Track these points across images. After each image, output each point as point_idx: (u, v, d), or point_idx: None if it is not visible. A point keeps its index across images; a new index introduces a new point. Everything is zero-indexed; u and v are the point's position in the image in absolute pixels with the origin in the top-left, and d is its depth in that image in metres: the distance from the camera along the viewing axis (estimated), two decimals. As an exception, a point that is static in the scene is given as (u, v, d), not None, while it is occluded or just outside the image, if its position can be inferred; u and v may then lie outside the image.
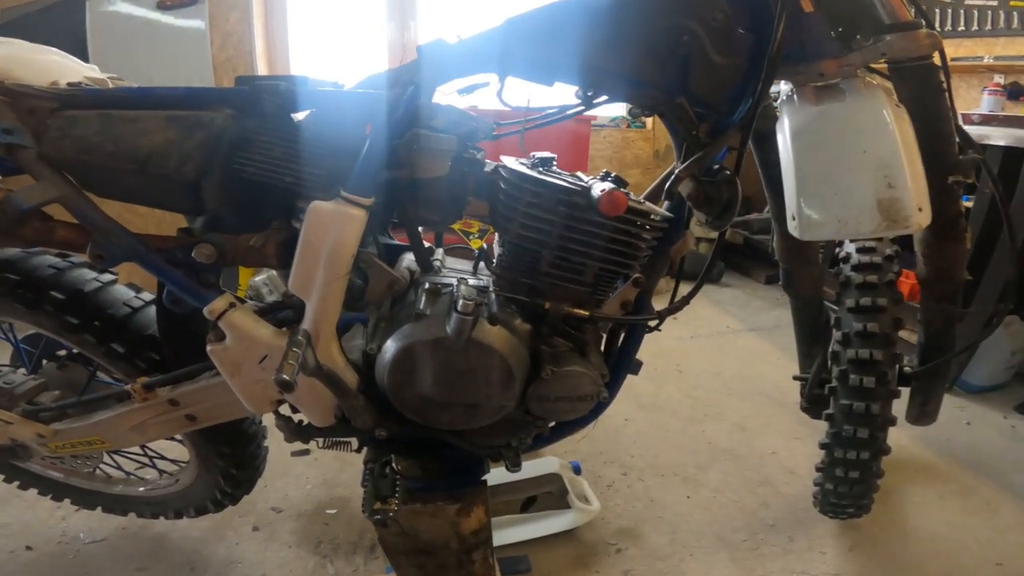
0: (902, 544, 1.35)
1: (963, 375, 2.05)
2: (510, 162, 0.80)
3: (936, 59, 0.78)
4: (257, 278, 2.40)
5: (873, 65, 0.80)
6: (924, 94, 0.79)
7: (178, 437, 1.15)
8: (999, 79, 2.48)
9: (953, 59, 2.56)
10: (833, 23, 0.77)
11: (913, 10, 0.75)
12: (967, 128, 2.07)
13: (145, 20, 2.42)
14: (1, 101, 0.71)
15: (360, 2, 3.01)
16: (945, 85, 0.79)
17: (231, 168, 0.75)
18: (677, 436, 1.76)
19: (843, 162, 0.75)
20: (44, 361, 1.10)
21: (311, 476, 1.53)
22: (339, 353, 0.78)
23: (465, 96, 0.82)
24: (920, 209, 0.71)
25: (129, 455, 1.24)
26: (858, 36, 0.77)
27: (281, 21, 2.84)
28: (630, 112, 0.97)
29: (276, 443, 1.51)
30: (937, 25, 2.59)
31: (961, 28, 2.56)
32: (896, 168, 0.71)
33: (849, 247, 1.19)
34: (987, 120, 2.13)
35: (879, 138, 0.73)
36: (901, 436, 1.74)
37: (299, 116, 0.80)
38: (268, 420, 1.05)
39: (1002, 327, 1.98)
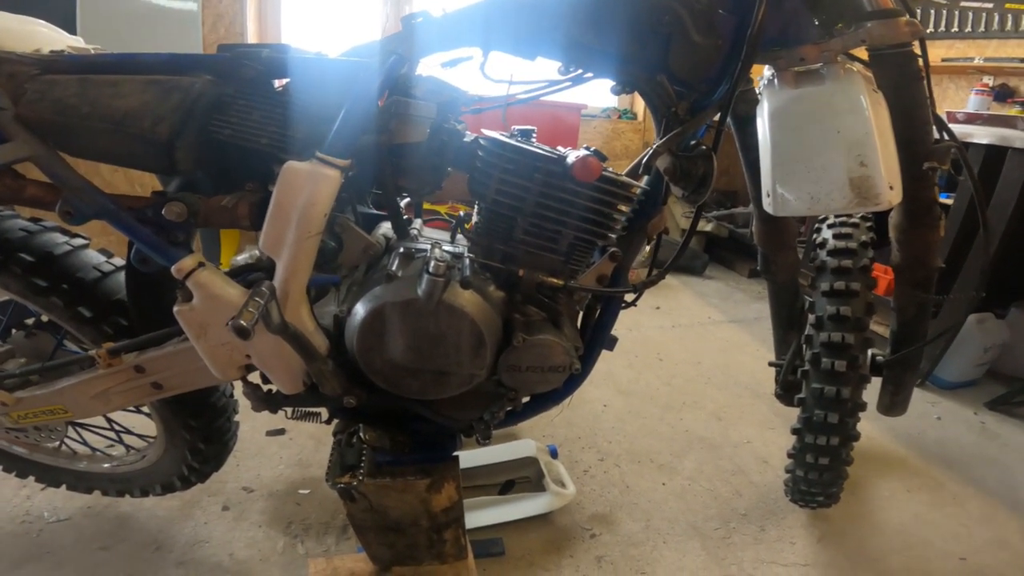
0: (869, 536, 1.36)
1: (936, 371, 2.07)
2: (490, 133, 0.79)
3: (916, 47, 0.78)
4: (239, 257, 2.37)
5: (854, 52, 0.80)
6: (902, 81, 0.80)
7: (146, 410, 1.13)
8: (988, 80, 2.49)
9: (944, 60, 2.56)
10: (815, 9, 0.78)
11: None
12: (951, 126, 2.08)
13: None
14: None
15: (355, -12, 2.99)
16: (923, 73, 0.80)
17: (207, 130, 0.75)
18: (655, 423, 1.77)
19: (817, 141, 0.75)
20: (13, 330, 1.08)
21: (285, 456, 1.51)
22: (309, 316, 0.77)
23: (450, 70, 0.82)
24: (891, 187, 0.72)
25: (95, 429, 1.21)
26: (840, 24, 0.78)
27: (275, 4, 2.81)
28: (612, 89, 0.98)
29: (250, 423, 1.50)
30: (931, 26, 2.56)
31: (955, 29, 2.55)
32: (869, 148, 0.72)
33: (826, 233, 1.20)
34: (972, 119, 2.14)
35: (854, 119, 0.73)
36: (872, 429, 1.77)
37: (280, 83, 0.79)
38: (240, 396, 1.03)
39: (976, 324, 2.00)
